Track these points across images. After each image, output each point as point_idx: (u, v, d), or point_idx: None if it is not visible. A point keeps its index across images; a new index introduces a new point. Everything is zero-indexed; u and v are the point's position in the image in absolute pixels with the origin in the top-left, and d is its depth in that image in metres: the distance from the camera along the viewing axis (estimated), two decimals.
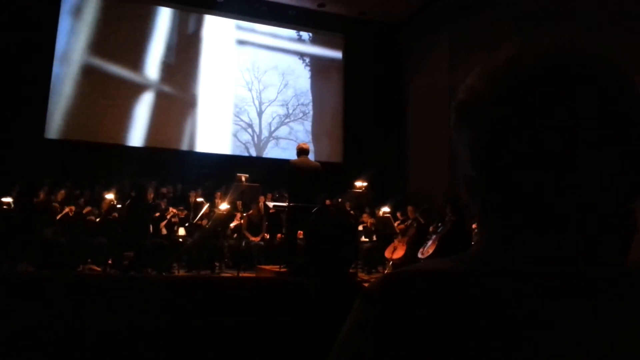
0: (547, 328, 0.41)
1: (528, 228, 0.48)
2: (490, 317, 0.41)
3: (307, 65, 11.07)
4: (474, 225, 6.92)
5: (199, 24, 10.26)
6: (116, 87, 9.40)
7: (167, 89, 9.81)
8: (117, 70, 9.43)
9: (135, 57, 9.61)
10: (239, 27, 10.54)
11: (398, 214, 8.17)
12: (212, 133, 10.09)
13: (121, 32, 9.49)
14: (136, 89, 9.58)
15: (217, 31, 10.36)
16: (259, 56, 10.61)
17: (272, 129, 10.66)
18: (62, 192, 7.06)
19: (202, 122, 10.04)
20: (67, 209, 6.66)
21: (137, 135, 9.49)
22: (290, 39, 11.00)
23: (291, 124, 10.79)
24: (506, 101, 0.48)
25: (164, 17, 9.99)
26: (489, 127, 0.49)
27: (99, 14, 9.41)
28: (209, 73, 10.16)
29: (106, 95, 9.29)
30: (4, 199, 6.34)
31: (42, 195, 6.84)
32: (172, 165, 9.37)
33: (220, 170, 9.22)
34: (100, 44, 9.35)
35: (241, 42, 10.50)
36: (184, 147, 9.88)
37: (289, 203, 5.99)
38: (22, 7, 8.38)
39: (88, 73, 9.21)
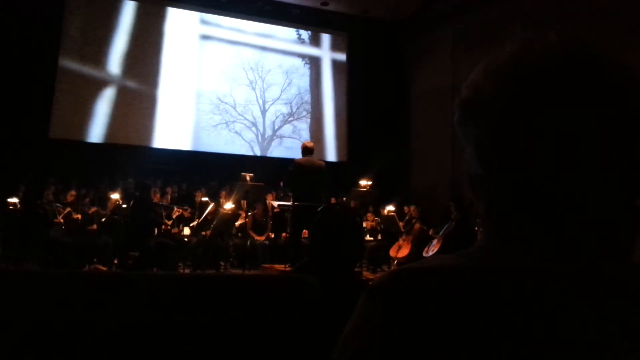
0: (553, 324, 0.41)
1: (533, 225, 0.48)
2: (494, 313, 0.41)
3: (310, 63, 11.05)
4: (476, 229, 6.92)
5: (206, 24, 10.27)
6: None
7: (161, 88, 9.83)
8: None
9: (130, 59, 9.63)
10: (242, 26, 10.54)
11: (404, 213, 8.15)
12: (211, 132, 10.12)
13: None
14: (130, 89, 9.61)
15: (221, 31, 10.36)
16: (262, 55, 10.60)
17: (276, 127, 10.65)
18: (73, 192, 7.05)
19: (198, 120, 10.06)
20: (68, 209, 6.67)
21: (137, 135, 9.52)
22: (294, 37, 10.99)
23: (295, 122, 10.78)
24: (511, 98, 0.48)
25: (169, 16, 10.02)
26: (493, 124, 0.49)
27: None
28: (210, 72, 10.17)
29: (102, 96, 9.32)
30: (10, 200, 6.37)
31: (48, 196, 6.86)
32: (175, 164, 9.41)
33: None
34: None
35: (243, 41, 10.50)
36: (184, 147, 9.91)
37: (293, 202, 5.99)
38: (26, 6, 8.40)
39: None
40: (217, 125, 10.12)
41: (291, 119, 10.74)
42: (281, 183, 6.61)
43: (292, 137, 10.61)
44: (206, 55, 10.16)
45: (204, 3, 10.08)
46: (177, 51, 9.95)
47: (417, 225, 7.45)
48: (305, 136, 10.45)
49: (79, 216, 6.73)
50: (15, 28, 8.30)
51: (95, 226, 6.77)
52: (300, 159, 5.94)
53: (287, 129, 10.67)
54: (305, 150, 5.98)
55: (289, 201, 6.74)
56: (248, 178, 6.53)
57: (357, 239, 1.72)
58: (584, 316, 0.42)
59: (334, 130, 11.08)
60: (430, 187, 9.97)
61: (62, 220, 6.53)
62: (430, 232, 7.10)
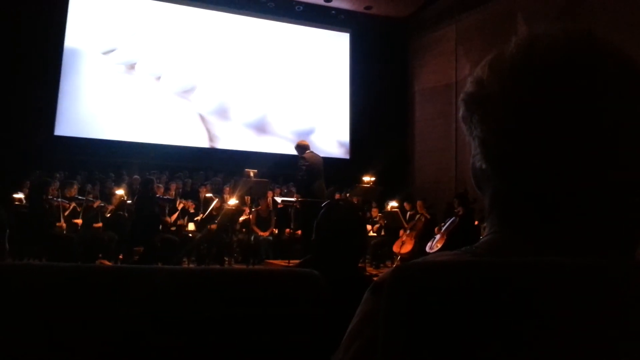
0: (558, 320, 0.41)
1: (538, 220, 0.48)
2: (500, 309, 0.41)
3: (313, 60, 11.01)
4: (476, 222, 6.91)
5: (207, 22, 10.25)
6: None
7: (171, 84, 9.83)
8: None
9: (140, 50, 9.64)
10: (244, 22, 10.53)
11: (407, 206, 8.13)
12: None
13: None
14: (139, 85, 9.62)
15: (223, 29, 10.35)
16: (263, 52, 10.58)
17: (278, 124, 10.62)
18: (75, 187, 7.07)
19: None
20: (73, 204, 6.69)
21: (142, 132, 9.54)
22: (297, 34, 10.96)
23: (298, 119, 10.75)
24: (515, 93, 0.48)
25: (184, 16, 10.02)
26: (498, 120, 0.49)
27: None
28: (210, 71, 10.17)
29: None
30: (16, 195, 6.41)
31: (53, 191, 6.89)
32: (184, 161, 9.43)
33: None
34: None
35: (245, 38, 10.48)
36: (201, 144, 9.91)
37: (305, 198, 5.89)
38: (31, 5, 8.43)
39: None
40: (219, 122, 10.11)
41: (293, 115, 10.71)
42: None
43: (295, 134, 10.58)
44: (207, 53, 10.15)
45: (209, 0, 10.07)
46: (178, 49, 9.94)
47: (423, 219, 7.43)
48: (308, 133, 10.42)
49: (79, 209, 6.74)
50: (19, 26, 8.32)
51: (100, 224, 6.79)
52: (308, 155, 5.86)
53: (289, 126, 10.64)
54: (304, 147, 5.94)
55: (292, 197, 6.72)
56: (252, 174, 6.54)
57: (360, 234, 1.72)
58: (587, 312, 0.42)
59: (337, 126, 11.05)
60: (434, 183, 9.96)
61: (70, 216, 6.56)
62: (436, 230, 7.09)
